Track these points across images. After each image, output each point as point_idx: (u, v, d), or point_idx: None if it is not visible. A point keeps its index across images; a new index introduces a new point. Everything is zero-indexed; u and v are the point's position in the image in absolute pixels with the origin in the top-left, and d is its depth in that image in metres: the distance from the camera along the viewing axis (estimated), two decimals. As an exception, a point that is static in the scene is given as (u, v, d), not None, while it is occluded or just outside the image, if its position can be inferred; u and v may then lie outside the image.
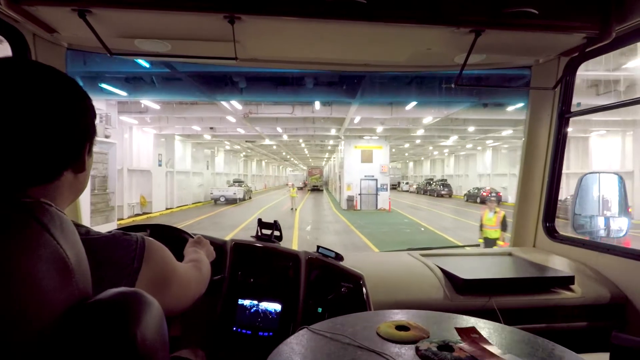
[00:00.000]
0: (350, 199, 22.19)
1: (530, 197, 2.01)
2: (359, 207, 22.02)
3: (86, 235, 0.64)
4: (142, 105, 14.25)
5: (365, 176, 22.26)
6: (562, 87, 1.82)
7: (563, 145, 1.89)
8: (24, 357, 0.39)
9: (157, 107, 14.49)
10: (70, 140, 0.60)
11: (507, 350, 0.81)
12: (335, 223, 16.15)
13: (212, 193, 24.98)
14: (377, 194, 22.28)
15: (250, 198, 29.27)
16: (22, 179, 0.55)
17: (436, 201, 30.52)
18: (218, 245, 1.44)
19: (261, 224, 1.62)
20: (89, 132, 0.64)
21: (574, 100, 1.87)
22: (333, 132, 19.99)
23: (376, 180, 22.30)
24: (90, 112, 0.65)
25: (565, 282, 1.52)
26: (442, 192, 34.67)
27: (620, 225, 1.83)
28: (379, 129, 18.41)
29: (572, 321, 1.48)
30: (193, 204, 24.42)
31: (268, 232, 1.59)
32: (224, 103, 12.84)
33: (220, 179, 32.07)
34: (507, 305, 1.42)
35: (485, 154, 32.35)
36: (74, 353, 0.42)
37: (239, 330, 1.38)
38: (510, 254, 1.89)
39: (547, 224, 1.95)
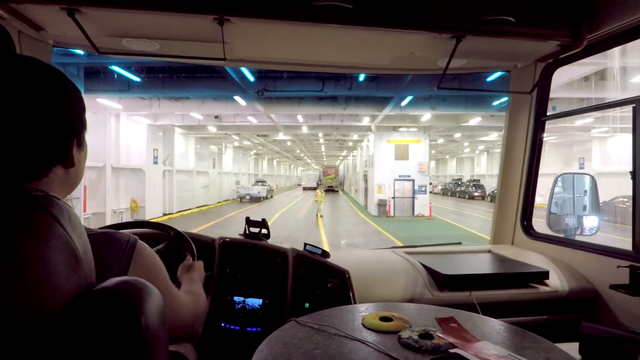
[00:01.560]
0: (382, 204, 18.58)
1: (509, 197, 2.07)
2: (392, 214, 18.41)
3: None
4: (115, 77, 10.47)
5: (399, 176, 18.64)
6: (538, 91, 1.88)
7: (539, 147, 1.95)
8: (37, 339, 0.41)
9: (136, 79, 10.75)
10: (55, 134, 0.59)
11: (483, 337, 0.87)
12: (373, 235, 12.64)
13: (238, 192, 27.33)
14: (414, 197, 18.63)
15: (272, 197, 30.27)
16: (12, 176, 0.54)
17: (472, 204, 26.74)
18: (207, 243, 1.51)
19: (249, 222, 1.63)
20: (76, 126, 0.63)
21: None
22: (366, 121, 16.35)
23: (413, 180, 18.65)
24: (77, 105, 0.63)
25: (541, 277, 1.57)
26: (475, 194, 30.85)
27: (592, 223, 1.90)
28: (426, 116, 14.78)
29: (546, 314, 1.55)
30: (205, 205, 21.28)
31: (256, 229, 1.61)
32: (232, 74, 9.33)
33: (229, 179, 28.75)
34: (486, 300, 1.47)
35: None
36: (82, 337, 0.43)
37: (228, 326, 1.41)
38: (489, 251, 1.96)
39: (524, 223, 2.01)
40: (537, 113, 1.92)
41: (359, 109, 14.54)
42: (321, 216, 17.26)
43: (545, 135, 1.99)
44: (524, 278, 1.59)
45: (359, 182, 27.00)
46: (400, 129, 18.64)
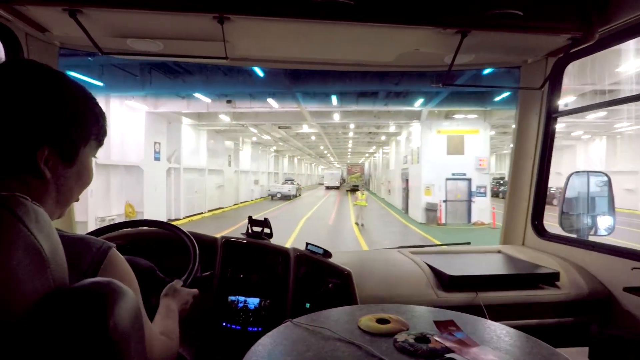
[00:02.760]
0: (431, 208, 15.12)
1: (519, 195, 2.01)
2: (443, 221, 14.93)
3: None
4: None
5: (453, 174, 15.13)
6: (549, 87, 1.82)
7: (551, 144, 1.89)
8: (1, 337, 0.41)
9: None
10: (18, 137, 0.59)
11: (483, 342, 0.83)
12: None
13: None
14: (470, 201, 15.08)
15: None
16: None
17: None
18: (208, 243, 1.49)
19: (252, 221, 1.60)
20: (47, 133, 0.61)
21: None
22: (419, 103, 12.87)
23: (469, 180, 15.11)
24: (61, 112, 0.62)
25: (551, 278, 1.52)
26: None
27: (607, 223, 1.84)
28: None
29: (557, 317, 1.49)
30: (220, 208, 18.50)
31: (259, 229, 1.59)
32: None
33: (247, 178, 25.91)
34: (494, 302, 1.44)
35: (594, 144, 24.24)
36: (49, 337, 0.44)
37: (229, 325, 1.40)
38: (499, 252, 1.90)
39: (536, 222, 1.95)
40: (548, 109, 1.85)
41: (403, 104, 13.25)
42: (361, 225, 14.00)
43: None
44: (534, 279, 1.53)
45: (394, 181, 23.53)
46: (455, 116, 15.11)
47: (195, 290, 1.11)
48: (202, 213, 17.51)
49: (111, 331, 0.46)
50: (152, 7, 1.20)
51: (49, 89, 0.61)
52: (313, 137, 25.82)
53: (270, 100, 12.28)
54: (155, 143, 13.77)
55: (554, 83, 1.81)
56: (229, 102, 12.46)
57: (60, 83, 0.62)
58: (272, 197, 27.92)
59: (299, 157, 49.55)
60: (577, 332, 1.38)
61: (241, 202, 23.98)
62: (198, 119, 15.30)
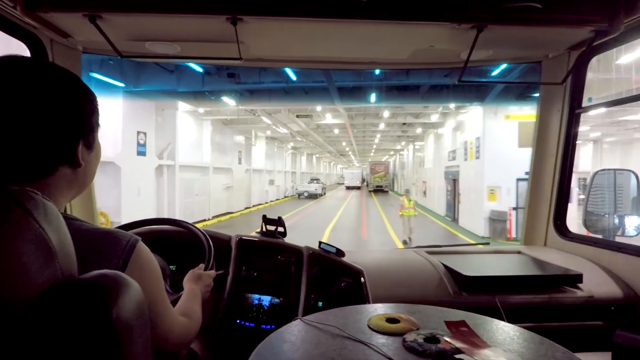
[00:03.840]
0: (498, 218, 11.51)
1: (541, 195, 1.95)
2: (514, 235, 11.29)
3: (79, 227, 0.65)
4: None
5: (527, 174, 11.43)
6: (572, 82, 1.77)
7: (574, 141, 1.84)
8: (7, 328, 0.43)
9: None
10: (60, 134, 0.62)
11: (496, 344, 0.81)
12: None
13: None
14: (549, 209, 11.41)
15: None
16: (17, 175, 0.59)
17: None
18: (223, 241, 1.53)
19: (266, 220, 1.64)
20: (83, 127, 0.66)
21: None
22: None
23: (548, 181, 11.44)
24: (86, 107, 0.67)
25: (573, 280, 1.47)
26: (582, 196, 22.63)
27: (635, 223, 1.80)
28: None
29: (579, 320, 1.45)
30: (228, 213, 15.51)
31: (272, 228, 1.62)
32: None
33: (261, 177, 22.81)
34: (512, 304, 1.40)
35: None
36: (55, 326, 0.46)
37: (243, 322, 1.42)
38: (519, 252, 1.83)
39: (558, 222, 1.90)
40: (571, 105, 1.79)
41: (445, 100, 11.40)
42: (409, 240, 10.58)
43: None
44: (555, 281, 1.48)
45: (432, 181, 19.90)
46: (529, 95, 11.43)
47: (213, 272, 1.17)
48: (204, 220, 14.48)
49: (114, 321, 0.48)
50: (167, 10, 1.24)
51: (80, 88, 0.67)
52: (336, 131, 22.44)
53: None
54: (138, 133, 10.74)
55: (577, 77, 1.77)
56: (230, 75, 9.19)
57: (80, 81, 0.67)
58: (300, 195, 29.28)
59: (317, 155, 46.29)
60: (600, 337, 1.32)
61: (254, 206, 20.88)
62: (194, 99, 12.14)
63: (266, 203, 23.33)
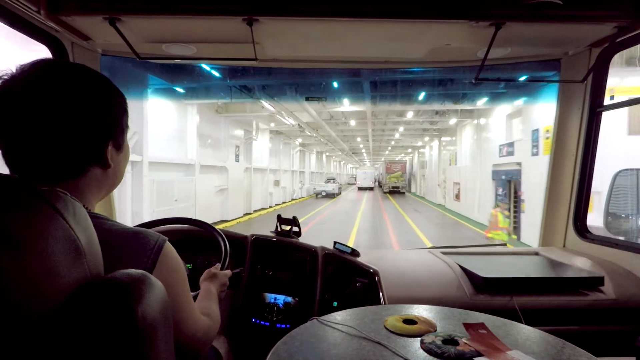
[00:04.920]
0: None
1: (559, 195, 1.92)
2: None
3: (110, 227, 0.66)
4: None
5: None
6: (593, 79, 1.72)
7: (595, 140, 1.79)
8: (39, 327, 0.44)
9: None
10: (91, 136, 0.63)
11: (516, 347, 0.80)
12: None
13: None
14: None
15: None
16: (49, 175, 0.61)
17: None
18: (238, 240, 1.54)
19: (280, 219, 1.63)
20: (113, 129, 0.67)
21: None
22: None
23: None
24: (115, 109, 0.68)
25: (594, 283, 1.45)
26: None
27: None
28: None
29: (599, 324, 1.42)
30: (221, 222, 12.31)
31: (287, 227, 1.61)
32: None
33: (264, 178, 19.57)
34: (530, 306, 1.37)
35: None
36: (81, 325, 0.46)
37: (258, 321, 1.43)
38: (537, 254, 1.82)
39: (578, 223, 1.86)
40: (592, 103, 1.74)
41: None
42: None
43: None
44: (575, 283, 1.46)
45: (470, 183, 16.37)
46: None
47: (228, 271, 1.16)
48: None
49: (139, 319, 0.48)
50: (185, 12, 1.26)
51: (111, 91, 0.68)
52: (353, 122, 19.04)
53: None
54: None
55: (599, 75, 1.71)
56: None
57: (111, 84, 0.68)
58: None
59: (327, 154, 42.96)
60: (622, 341, 1.31)
61: (255, 211, 17.63)
62: (170, 75, 8.85)
63: (270, 207, 20.06)
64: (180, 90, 10.44)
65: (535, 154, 10.10)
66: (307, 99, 11.50)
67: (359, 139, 27.91)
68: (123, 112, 0.69)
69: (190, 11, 1.25)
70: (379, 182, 48.00)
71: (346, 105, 13.92)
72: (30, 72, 0.60)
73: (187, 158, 11.85)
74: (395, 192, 35.70)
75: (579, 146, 1.80)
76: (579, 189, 1.82)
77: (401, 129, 21.20)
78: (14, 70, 0.59)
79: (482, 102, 12.14)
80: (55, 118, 0.59)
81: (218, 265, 1.14)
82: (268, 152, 20.17)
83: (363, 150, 39.85)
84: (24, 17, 1.26)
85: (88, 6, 1.25)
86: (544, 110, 9.66)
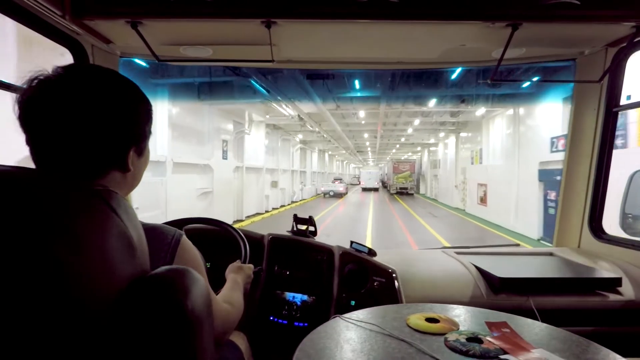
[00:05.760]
0: None
1: (574, 195, 1.92)
2: None
3: None
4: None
5: None
6: (609, 79, 1.72)
7: (611, 140, 1.78)
8: (97, 319, 0.45)
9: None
10: (115, 141, 0.65)
11: (539, 346, 0.79)
12: None
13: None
14: None
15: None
16: (74, 174, 0.63)
17: None
18: (256, 239, 1.57)
19: (297, 219, 1.66)
20: (137, 135, 0.69)
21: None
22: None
23: None
24: (141, 116, 0.69)
25: (611, 283, 1.43)
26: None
27: None
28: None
29: (616, 325, 1.41)
30: (239, 220, 9.77)
31: (303, 227, 1.63)
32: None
33: (259, 178, 17.00)
34: (547, 306, 1.37)
35: None
36: (136, 319, 0.48)
37: (276, 320, 1.45)
38: (551, 254, 1.80)
39: (593, 224, 1.84)
40: (608, 103, 1.73)
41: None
42: None
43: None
44: (592, 284, 1.44)
45: (501, 185, 13.72)
46: None
47: (252, 266, 1.24)
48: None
49: (189, 313, 0.50)
50: (205, 15, 1.27)
51: (139, 99, 0.69)
52: (362, 113, 16.42)
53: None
54: None
55: (615, 75, 1.70)
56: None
57: (140, 91, 0.69)
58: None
59: (330, 152, 40.37)
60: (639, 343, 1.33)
61: (248, 217, 15.05)
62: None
63: (267, 212, 17.48)
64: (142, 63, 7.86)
65: (620, 146, 7.44)
66: (308, 76, 8.94)
67: (366, 135, 25.28)
68: (148, 119, 0.71)
69: (210, 14, 1.27)
70: (384, 183, 45.45)
71: (358, 96, 11.32)
72: (65, 75, 0.62)
73: (155, 154, 9.29)
74: (402, 193, 33.09)
75: (595, 146, 1.79)
76: (595, 189, 1.81)
77: (417, 122, 18.54)
78: (50, 72, 0.61)
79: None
80: (84, 121, 0.61)
81: (239, 261, 1.23)
82: (264, 149, 17.59)
83: (369, 149, 37.19)
84: (49, 21, 1.30)
85: (111, 10, 1.28)
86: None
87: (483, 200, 16.24)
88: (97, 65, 0.81)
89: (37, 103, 0.59)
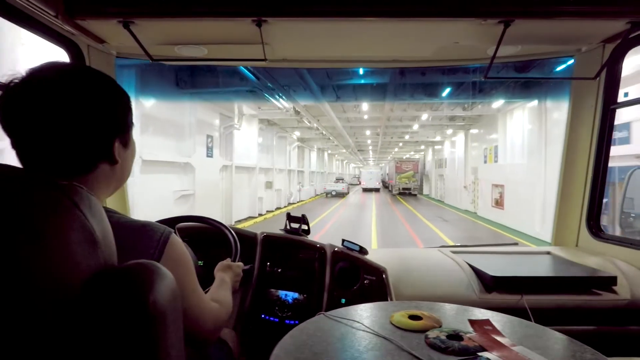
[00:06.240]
0: None
1: (572, 193, 1.91)
2: None
3: (117, 220, 0.69)
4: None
5: None
6: (606, 76, 1.70)
7: (609, 138, 1.76)
8: (57, 312, 0.46)
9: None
10: (99, 133, 0.68)
11: (520, 343, 0.80)
12: None
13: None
14: None
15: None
16: (62, 171, 0.65)
17: None
18: (248, 238, 1.57)
19: (290, 217, 1.66)
20: (119, 127, 0.71)
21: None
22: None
23: None
24: (121, 108, 0.71)
25: (607, 282, 1.41)
26: None
27: None
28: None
29: (614, 324, 1.41)
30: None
31: (296, 225, 1.64)
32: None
33: (252, 178, 15.43)
34: (541, 305, 1.36)
35: None
36: (95, 312, 0.48)
37: (267, 317, 1.46)
38: (548, 253, 1.78)
39: (591, 222, 1.84)
40: (605, 100, 1.71)
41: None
42: None
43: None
44: (587, 283, 1.42)
45: (522, 187, 12.12)
46: None
47: (242, 264, 1.21)
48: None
49: (150, 306, 0.50)
50: (196, 15, 1.28)
51: (115, 90, 0.70)
52: (365, 106, 14.80)
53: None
54: None
55: (612, 72, 1.69)
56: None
57: (116, 84, 0.71)
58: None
59: (330, 151, 38.76)
60: (636, 342, 1.31)
61: (238, 222, 13.44)
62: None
63: (260, 216, 15.89)
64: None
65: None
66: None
67: (368, 132, 23.65)
68: (128, 110, 0.73)
69: (201, 13, 1.27)
70: (384, 183, 43.90)
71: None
72: (40, 75, 0.63)
73: (119, 149, 7.67)
74: (405, 193, 31.53)
75: (592, 143, 1.79)
76: (592, 187, 1.80)
77: (424, 116, 16.93)
78: (25, 73, 0.62)
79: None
80: (65, 116, 0.62)
81: (229, 259, 1.20)
82: (257, 147, 16.01)
83: (370, 147, 35.61)
84: (43, 21, 1.30)
85: (103, 10, 1.28)
86: None
87: (499, 202, 14.66)
88: (68, 62, 0.87)
89: (16, 105, 0.61)
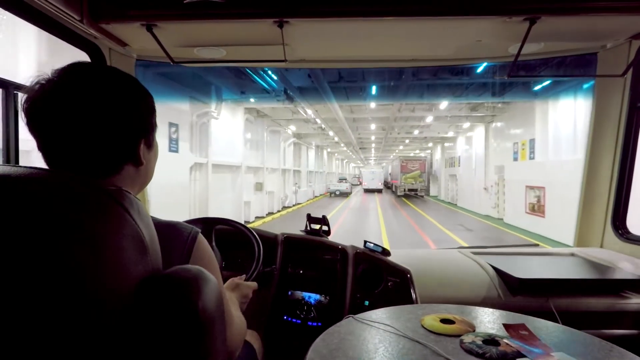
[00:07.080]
0: None
1: (597, 194, 1.88)
2: None
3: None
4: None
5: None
6: (633, 73, 1.65)
7: (636, 136, 1.72)
8: (111, 318, 0.46)
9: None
10: (125, 135, 0.65)
11: (559, 349, 0.77)
12: None
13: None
14: None
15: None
16: (89, 174, 0.62)
17: None
18: (269, 239, 1.56)
19: (310, 218, 1.64)
20: (145, 128, 0.69)
21: None
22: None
23: None
24: (146, 110, 0.69)
25: (638, 285, 1.36)
26: None
27: None
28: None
29: None
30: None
31: (317, 226, 1.62)
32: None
33: (236, 179, 12.77)
34: (568, 308, 1.33)
35: None
36: (148, 320, 0.48)
37: (289, 319, 1.46)
38: (572, 254, 1.75)
39: (617, 223, 1.79)
40: (632, 98, 1.68)
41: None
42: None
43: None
44: (616, 285, 1.38)
45: (559, 188, 9.48)
46: None
47: (254, 284, 1.14)
48: None
49: (200, 313, 0.49)
50: (219, 17, 1.28)
51: (140, 91, 0.68)
52: (373, 107, 12.14)
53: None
54: None
55: (639, 69, 1.63)
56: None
57: (140, 85, 0.69)
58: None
59: (329, 149, 36.12)
60: None
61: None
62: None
63: (247, 223, 13.22)
64: None
65: None
66: None
67: (373, 127, 20.95)
68: (152, 111, 0.71)
69: (223, 15, 1.27)
70: (387, 184, 41.29)
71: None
72: (66, 76, 0.62)
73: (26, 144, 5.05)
74: (411, 195, 28.91)
75: (618, 142, 1.76)
76: (618, 187, 1.77)
77: (442, 106, 14.28)
78: (51, 74, 0.61)
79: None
80: (94, 117, 0.60)
81: (243, 276, 1.16)
82: (243, 142, 13.36)
83: (373, 145, 32.95)
84: (67, 25, 1.32)
85: (127, 14, 1.30)
86: None
87: (537, 209, 12.01)
88: (93, 63, 0.83)
89: (43, 106, 0.59)
